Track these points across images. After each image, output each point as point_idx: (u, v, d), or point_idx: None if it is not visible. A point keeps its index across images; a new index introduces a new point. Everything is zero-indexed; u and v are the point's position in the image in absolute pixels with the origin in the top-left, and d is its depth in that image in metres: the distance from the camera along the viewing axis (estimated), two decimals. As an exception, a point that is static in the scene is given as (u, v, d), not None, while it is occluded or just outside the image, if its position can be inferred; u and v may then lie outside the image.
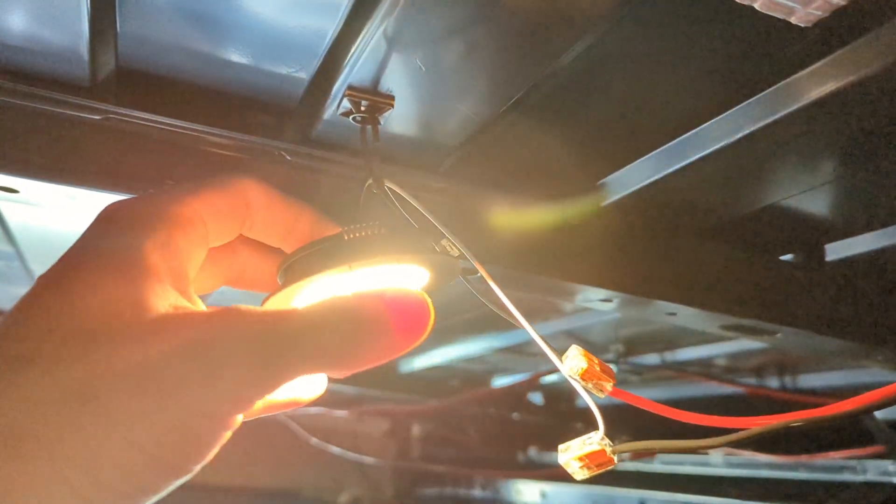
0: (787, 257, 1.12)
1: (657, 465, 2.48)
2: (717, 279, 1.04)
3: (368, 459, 3.46)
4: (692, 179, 0.88)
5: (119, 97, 0.77)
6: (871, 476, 1.82)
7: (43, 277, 0.52)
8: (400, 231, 0.66)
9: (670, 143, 0.83)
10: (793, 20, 0.57)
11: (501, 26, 0.62)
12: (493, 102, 0.75)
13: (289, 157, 0.83)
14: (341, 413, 2.84)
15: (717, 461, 2.25)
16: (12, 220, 1.32)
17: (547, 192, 0.95)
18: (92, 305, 0.47)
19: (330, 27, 0.65)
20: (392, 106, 0.73)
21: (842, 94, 0.65)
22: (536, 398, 2.98)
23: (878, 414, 1.77)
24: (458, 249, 0.71)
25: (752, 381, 2.10)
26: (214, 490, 3.35)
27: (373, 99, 0.72)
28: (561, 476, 2.89)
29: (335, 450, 3.01)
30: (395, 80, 0.71)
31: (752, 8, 0.56)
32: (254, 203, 0.63)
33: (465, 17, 0.61)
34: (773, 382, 2.03)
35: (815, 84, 0.66)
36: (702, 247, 1.04)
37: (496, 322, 1.81)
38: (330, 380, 2.19)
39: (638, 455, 2.49)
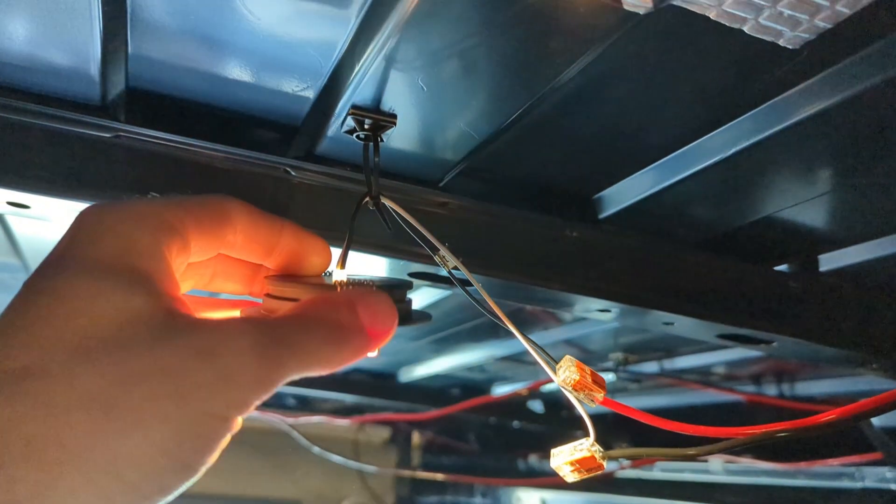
0: (782, 268, 1.14)
1: (657, 473, 2.49)
2: (712, 289, 1.06)
3: (370, 468, 3.47)
4: (686, 193, 0.90)
5: (129, 116, 0.79)
6: (869, 483, 1.83)
7: (32, 283, 0.51)
8: (390, 288, 0.68)
9: (665, 159, 0.85)
10: (781, 42, 0.60)
11: (500, 48, 0.64)
12: (492, 121, 0.77)
13: (293, 173, 0.85)
14: (343, 422, 2.85)
15: (716, 468, 2.26)
16: (20, 234, 1.34)
17: (545, 206, 0.96)
18: (95, 313, 0.47)
19: (335, 48, 0.67)
20: (394, 124, 0.76)
21: (829, 112, 0.67)
22: (537, 406, 2.99)
23: (876, 421, 1.78)
24: (453, 262, 0.73)
25: (750, 388, 2.11)
26: (217, 499, 3.37)
27: (375, 117, 0.74)
28: (561, 483, 2.90)
29: (337, 459, 3.02)
30: (398, 100, 0.73)
31: (742, 31, 0.58)
32: (236, 220, 0.64)
33: (464, 39, 0.63)
34: (771, 390, 2.05)
35: (804, 103, 0.68)
36: (697, 258, 1.05)
37: (495, 332, 1.83)
38: (331, 388, 2.17)
39: (640, 464, 2.50)
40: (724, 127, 0.77)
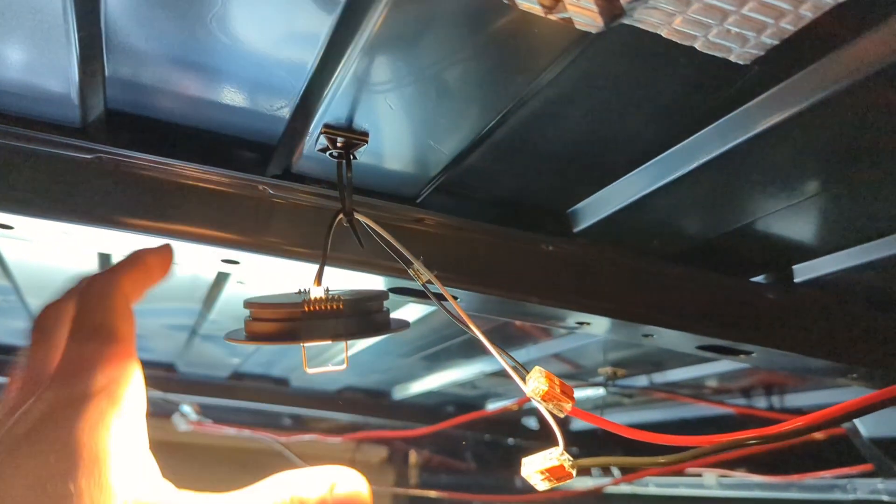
0: (759, 279, 1.15)
1: (651, 489, 2.50)
2: (690, 301, 1.08)
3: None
4: (658, 206, 0.92)
5: (109, 137, 0.81)
6: (861, 494, 1.84)
7: None
8: (355, 304, 0.70)
9: (633, 172, 0.87)
10: (732, 58, 0.62)
11: (462, 69, 0.66)
12: (460, 138, 0.79)
13: (271, 192, 0.87)
14: (335, 440, 2.85)
15: (710, 483, 2.26)
16: (9, 257, 1.36)
17: (521, 221, 0.98)
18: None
19: (305, 69, 0.70)
20: (366, 142, 0.78)
21: (785, 125, 0.70)
22: (531, 423, 3.00)
23: (865, 432, 1.79)
24: (427, 276, 0.74)
25: (741, 401, 2.12)
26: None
27: (347, 136, 0.77)
28: (557, 501, 2.90)
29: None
30: (368, 118, 0.76)
31: (694, 48, 0.61)
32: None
33: (427, 61, 0.65)
34: (761, 403, 2.05)
35: (760, 116, 0.70)
36: (674, 270, 1.07)
37: (483, 349, 1.82)
38: (326, 407, 2.17)
39: (631, 478, 2.50)
40: (687, 141, 0.79)
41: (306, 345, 0.67)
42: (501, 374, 2.02)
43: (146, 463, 0.55)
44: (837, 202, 0.92)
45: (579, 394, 2.09)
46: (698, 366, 1.83)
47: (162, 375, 2.44)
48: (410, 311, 1.53)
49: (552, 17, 0.55)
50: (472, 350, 1.85)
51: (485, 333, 0.77)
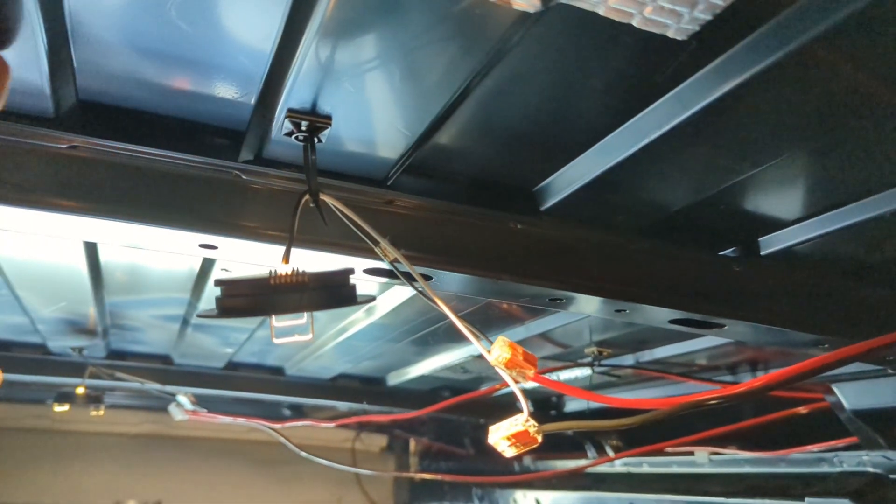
0: (728, 252, 1.18)
1: (645, 468, 2.53)
2: (660, 276, 1.11)
3: (367, 472, 3.52)
4: (617, 182, 0.95)
5: (83, 127, 0.84)
6: (847, 467, 1.87)
7: None
8: (320, 278, 0.73)
9: (589, 150, 0.90)
10: (670, 35, 0.64)
11: (413, 51, 0.69)
12: (420, 118, 0.82)
13: (244, 176, 0.90)
14: (329, 425, 2.89)
15: (701, 460, 2.30)
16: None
17: (489, 200, 1.01)
18: None
19: (265, 55, 0.72)
20: (329, 125, 0.81)
21: (729, 97, 0.72)
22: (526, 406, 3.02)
23: (848, 405, 1.82)
24: (394, 254, 0.77)
25: (727, 378, 2.15)
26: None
27: (311, 119, 0.79)
28: (555, 484, 2.94)
29: (335, 466, 3.05)
30: (331, 102, 0.78)
31: (632, 25, 0.63)
32: None
33: (380, 44, 0.68)
34: (746, 379, 2.08)
35: (705, 89, 0.73)
36: (642, 245, 1.10)
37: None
38: (321, 395, 2.16)
39: (625, 454, 2.54)
40: (637, 116, 0.82)
41: (274, 317, 0.70)
42: (489, 356, 2.05)
43: None
44: (796, 171, 0.94)
45: (567, 375, 2.12)
46: (682, 343, 1.85)
47: (158, 367, 2.47)
48: (394, 296, 1.56)
49: (492, -2, 0.58)
50: (457, 334, 1.87)
51: (451, 307, 0.80)
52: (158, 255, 1.42)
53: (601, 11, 0.61)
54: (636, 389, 2.42)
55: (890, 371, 1.55)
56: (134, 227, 0.86)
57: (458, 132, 0.86)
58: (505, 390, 2.36)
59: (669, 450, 2.36)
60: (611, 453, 2.68)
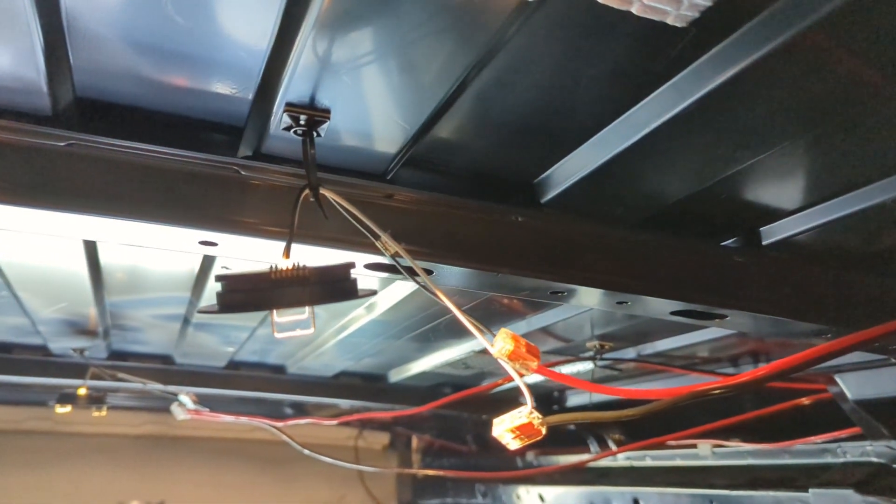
0: (729, 242, 1.18)
1: (648, 461, 2.54)
2: (662, 267, 1.10)
3: (370, 469, 3.54)
4: (617, 173, 0.95)
5: (81, 124, 0.84)
6: (851, 457, 1.87)
7: None
8: (322, 273, 0.73)
9: (591, 140, 0.90)
10: (669, 22, 0.64)
11: (410, 43, 0.69)
12: (418, 111, 0.82)
13: (243, 172, 0.89)
14: (330, 422, 2.89)
15: (704, 453, 2.30)
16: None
17: (490, 193, 1.01)
18: None
19: (262, 49, 0.72)
20: (328, 118, 0.80)
21: (729, 84, 0.72)
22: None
23: (851, 395, 1.82)
24: (395, 248, 0.77)
25: (729, 370, 2.15)
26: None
27: (310, 113, 0.79)
28: (557, 479, 2.94)
29: (339, 464, 3.06)
30: (329, 95, 0.78)
31: (631, 13, 0.63)
32: None
33: (378, 36, 0.68)
34: (749, 370, 2.08)
35: (705, 77, 0.73)
36: (643, 236, 1.10)
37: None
38: (323, 393, 2.17)
39: (626, 449, 2.54)
40: (637, 106, 0.81)
41: (276, 312, 0.70)
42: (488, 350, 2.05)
43: None
44: (795, 160, 0.94)
45: (569, 369, 2.12)
46: (683, 335, 1.85)
47: (159, 368, 2.47)
48: (394, 292, 1.56)
49: (489, -14, 0.58)
50: (459, 329, 1.87)
51: (453, 301, 0.80)
52: (158, 254, 1.41)
53: (600, -1, 0.61)
54: (638, 383, 2.42)
55: (893, 360, 1.55)
56: (133, 225, 0.86)
57: (457, 125, 0.86)
58: (506, 386, 2.36)
59: (672, 443, 2.37)
60: (613, 448, 2.69)
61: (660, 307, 1.13)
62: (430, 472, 3.73)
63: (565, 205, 1.02)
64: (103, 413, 2.46)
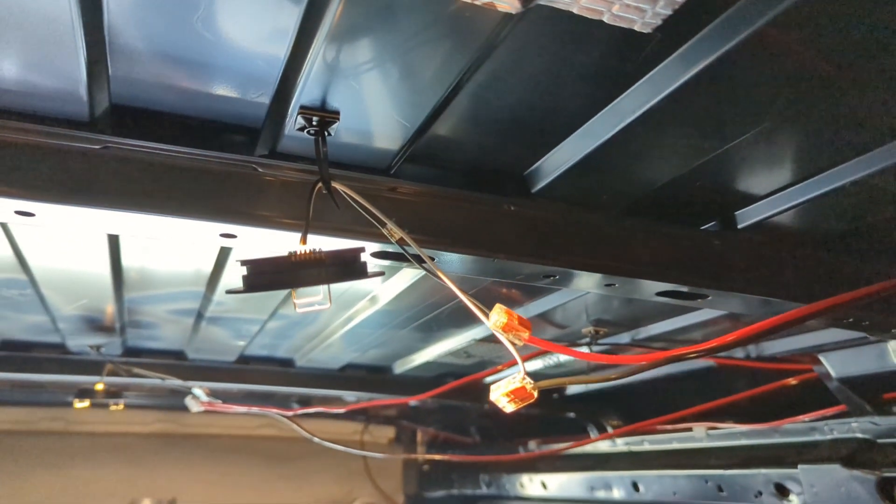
0: (708, 226, 1.27)
1: (646, 446, 2.62)
2: (646, 250, 1.19)
3: (378, 455, 3.62)
4: (600, 163, 1.04)
5: (115, 129, 0.93)
6: (837, 434, 1.95)
7: None
8: (336, 255, 0.82)
9: (573, 135, 0.99)
10: (636, 28, 0.73)
11: (410, 50, 0.78)
12: (418, 111, 0.91)
13: (260, 170, 0.98)
14: (339, 410, 2.97)
15: (699, 435, 2.38)
16: (27, 250, 1.47)
17: (484, 185, 1.10)
18: None
19: (279, 59, 0.81)
20: (338, 119, 0.90)
21: (692, 82, 0.81)
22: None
23: (836, 373, 1.90)
24: (399, 234, 0.86)
25: (720, 353, 2.23)
26: None
27: (321, 114, 0.89)
28: (560, 467, 3.03)
29: (347, 450, 3.16)
30: (339, 98, 0.88)
31: (602, 21, 0.72)
32: None
33: (382, 44, 0.77)
34: (738, 353, 2.17)
35: (671, 76, 0.82)
36: (627, 222, 1.19)
37: (471, 314, 1.92)
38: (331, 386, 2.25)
39: (619, 441, 2.62)
40: (615, 101, 0.91)
41: (295, 292, 0.79)
42: (491, 339, 2.14)
43: None
44: (764, 147, 1.03)
45: (565, 356, 2.21)
46: (675, 318, 1.93)
47: (172, 363, 2.55)
48: (397, 283, 1.65)
49: (479, 2, 0.67)
50: (460, 318, 1.96)
51: (452, 281, 0.89)
52: (175, 250, 1.50)
53: (575, 10, 0.70)
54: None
55: (871, 338, 1.63)
56: (161, 220, 0.95)
57: (454, 123, 0.95)
58: (505, 371, 2.45)
59: (669, 427, 2.45)
60: (609, 429, 2.77)
61: (645, 288, 1.22)
62: (437, 457, 3.82)
63: (554, 194, 1.11)
64: (121, 406, 2.55)
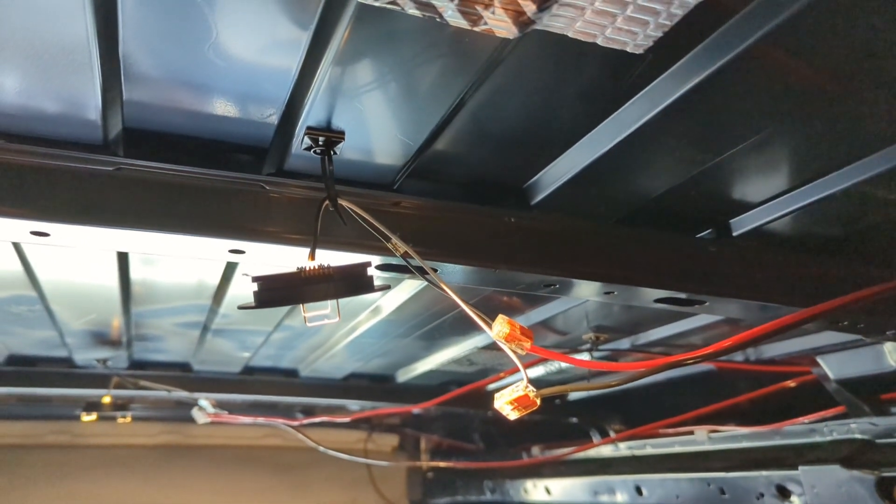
0: (704, 234, 1.30)
1: (649, 450, 2.64)
2: (643, 258, 1.22)
3: (382, 463, 3.64)
4: (597, 176, 1.07)
5: (127, 151, 0.96)
6: (837, 435, 1.97)
7: None
8: (344, 270, 0.85)
9: (570, 149, 1.02)
10: (629, 50, 0.77)
11: (413, 72, 0.82)
12: (421, 129, 0.94)
13: (267, 188, 1.01)
14: (344, 419, 3.00)
15: (701, 439, 2.40)
16: (37, 266, 1.50)
17: (485, 198, 1.13)
18: None
19: (287, 82, 0.85)
20: (343, 139, 0.93)
21: (683, 99, 0.85)
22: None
23: (833, 374, 1.93)
24: (404, 248, 0.90)
25: (721, 358, 2.26)
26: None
27: (327, 135, 0.92)
28: (563, 472, 3.05)
29: (352, 458, 3.18)
30: (344, 119, 0.91)
31: (597, 44, 0.76)
32: None
33: (386, 67, 0.80)
34: (738, 357, 2.19)
35: (662, 94, 0.85)
36: (625, 231, 1.22)
37: (473, 322, 1.94)
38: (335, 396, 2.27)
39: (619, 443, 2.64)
40: (611, 117, 0.94)
41: (305, 306, 0.82)
42: (493, 347, 2.16)
43: None
44: (756, 158, 1.06)
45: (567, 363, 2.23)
46: (674, 324, 1.96)
47: (178, 375, 2.58)
48: (400, 293, 1.68)
49: (477, 29, 0.70)
50: (462, 326, 1.99)
51: (456, 292, 0.92)
52: (182, 265, 1.53)
53: (570, 34, 0.74)
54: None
55: (866, 340, 1.66)
56: (173, 238, 0.98)
57: (455, 139, 0.98)
58: (508, 378, 2.47)
59: (670, 430, 2.47)
60: (612, 434, 2.79)
61: (644, 295, 1.25)
62: (439, 465, 3.83)
63: (553, 205, 1.15)
64: (128, 419, 2.57)
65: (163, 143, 0.97)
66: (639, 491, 2.61)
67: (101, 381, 2.45)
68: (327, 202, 0.91)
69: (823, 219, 1.22)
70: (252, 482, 3.70)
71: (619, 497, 2.69)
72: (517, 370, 2.40)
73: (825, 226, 1.24)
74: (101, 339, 2.15)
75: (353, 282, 0.85)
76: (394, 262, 1.08)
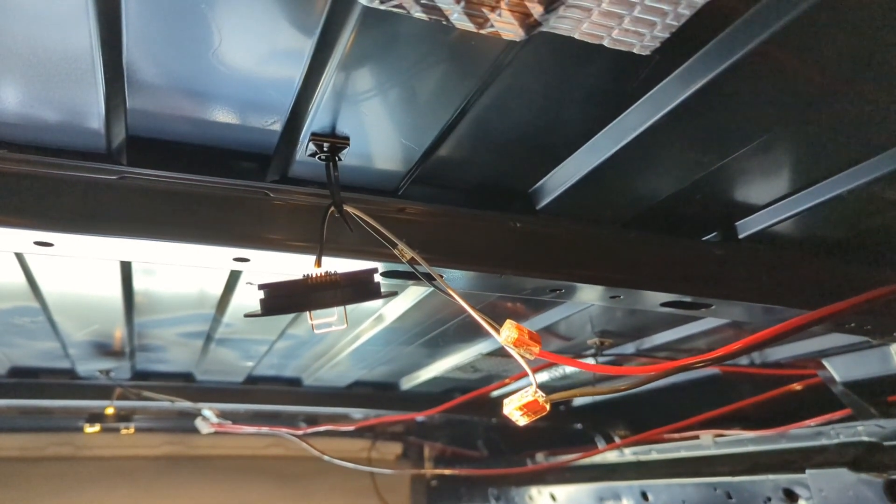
0: (709, 237, 1.30)
1: (654, 455, 2.63)
2: (649, 262, 1.22)
3: (386, 471, 3.63)
4: (602, 180, 1.06)
5: (131, 159, 0.96)
6: (844, 438, 1.96)
7: None
8: (350, 277, 0.85)
9: (576, 153, 1.02)
10: (636, 51, 0.76)
11: (418, 77, 0.81)
12: (426, 134, 0.94)
13: (271, 195, 1.01)
14: (348, 428, 2.98)
15: (707, 443, 2.39)
16: (40, 277, 1.50)
17: (490, 203, 1.13)
18: None
19: (291, 89, 0.84)
20: (348, 144, 0.93)
21: (689, 101, 0.84)
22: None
23: (840, 377, 1.92)
24: (410, 253, 0.89)
25: (725, 361, 2.24)
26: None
27: (332, 141, 0.91)
28: (568, 478, 3.04)
29: (357, 467, 3.17)
30: (348, 125, 0.90)
31: (603, 45, 0.75)
32: None
33: (391, 72, 0.80)
34: (743, 360, 2.19)
35: (669, 96, 0.85)
36: (631, 235, 1.22)
37: (477, 329, 1.93)
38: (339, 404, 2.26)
39: (630, 443, 2.63)
40: (616, 120, 0.94)
41: (312, 313, 0.81)
42: (497, 353, 2.16)
43: None
44: (762, 160, 1.06)
45: (571, 368, 2.22)
46: (679, 328, 1.96)
47: (181, 385, 2.57)
48: (403, 301, 1.67)
49: (483, 31, 0.70)
50: (466, 333, 1.99)
51: (463, 298, 0.92)
52: (186, 274, 1.53)
53: (576, 36, 0.73)
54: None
55: (873, 341, 1.65)
56: (177, 246, 0.97)
57: (460, 144, 0.98)
58: (513, 385, 2.46)
59: (676, 435, 2.46)
60: (617, 439, 2.78)
61: (649, 299, 1.25)
62: (444, 472, 3.82)
63: (558, 210, 1.14)
64: (132, 430, 2.56)
65: (166, 152, 0.96)
66: (644, 496, 2.59)
67: (103, 392, 2.44)
68: (333, 209, 0.90)
69: (830, 220, 1.21)
70: (256, 492, 3.69)
71: (625, 503, 2.68)
72: (522, 376, 2.40)
73: (832, 227, 1.24)
74: (104, 350, 2.14)
75: (360, 288, 0.85)
76: (400, 269, 1.07)
